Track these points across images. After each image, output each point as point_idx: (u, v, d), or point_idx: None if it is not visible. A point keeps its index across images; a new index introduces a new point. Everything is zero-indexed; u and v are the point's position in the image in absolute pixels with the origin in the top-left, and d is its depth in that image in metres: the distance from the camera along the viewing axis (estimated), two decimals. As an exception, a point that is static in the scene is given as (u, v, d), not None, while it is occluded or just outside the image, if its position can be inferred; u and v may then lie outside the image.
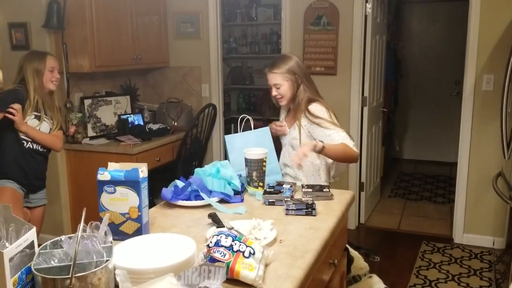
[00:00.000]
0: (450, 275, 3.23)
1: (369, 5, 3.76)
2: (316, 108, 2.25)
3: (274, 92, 2.30)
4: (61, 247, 1.15)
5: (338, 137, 2.18)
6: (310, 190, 1.98)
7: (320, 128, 2.21)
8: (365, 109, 3.96)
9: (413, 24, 6.15)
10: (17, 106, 2.52)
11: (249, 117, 2.33)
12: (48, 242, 1.17)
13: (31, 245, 1.16)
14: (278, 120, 2.56)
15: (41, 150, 2.73)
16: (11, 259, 1.08)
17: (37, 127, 2.67)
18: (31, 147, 2.67)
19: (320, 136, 2.19)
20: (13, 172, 2.62)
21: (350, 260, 2.18)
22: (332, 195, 1.95)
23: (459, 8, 5.69)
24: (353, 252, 2.28)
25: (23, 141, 2.64)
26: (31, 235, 1.17)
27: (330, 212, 1.80)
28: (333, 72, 3.88)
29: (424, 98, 6.18)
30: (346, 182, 3.94)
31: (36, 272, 1.07)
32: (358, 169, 4.03)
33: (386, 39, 4.72)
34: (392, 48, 5.52)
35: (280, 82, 2.27)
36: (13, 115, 2.49)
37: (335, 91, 3.83)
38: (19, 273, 1.11)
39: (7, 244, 1.15)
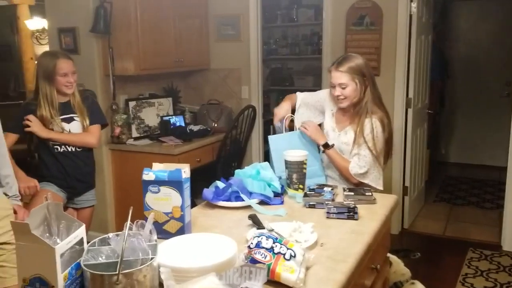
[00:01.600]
0: (498, 283, 3.10)
1: (414, 5, 3.67)
2: (372, 124, 2.17)
3: (337, 92, 2.19)
4: (109, 244, 1.19)
5: (359, 162, 2.17)
6: (352, 193, 1.95)
7: (363, 140, 2.17)
8: (410, 110, 3.87)
9: (461, 23, 5.94)
10: (31, 117, 2.58)
11: (293, 117, 2.32)
12: (97, 239, 1.21)
13: (80, 242, 1.21)
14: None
15: (76, 150, 2.72)
16: (62, 255, 1.13)
17: (64, 131, 2.67)
18: (66, 149, 2.69)
19: (347, 145, 2.22)
20: (52, 175, 2.68)
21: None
22: (374, 199, 1.91)
23: (510, 6, 5.47)
24: (392, 257, 2.21)
25: (55, 147, 2.67)
26: (81, 232, 1.21)
27: (372, 216, 1.77)
28: (376, 72, 3.80)
29: (472, 100, 5.96)
30: (389, 186, 3.86)
31: (85, 268, 1.11)
32: (401, 172, 3.93)
33: (432, 39, 4.59)
34: (439, 48, 5.36)
35: (346, 82, 2.16)
36: (29, 126, 2.58)
37: (377, 92, 3.75)
38: (69, 268, 1.15)
39: (58, 241, 1.20)
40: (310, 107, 2.43)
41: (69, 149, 2.70)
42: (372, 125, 2.16)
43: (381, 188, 2.22)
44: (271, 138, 2.30)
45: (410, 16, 3.69)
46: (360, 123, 2.18)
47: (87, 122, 2.74)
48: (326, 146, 2.23)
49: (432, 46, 4.57)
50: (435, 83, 5.14)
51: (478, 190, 5.15)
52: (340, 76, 2.17)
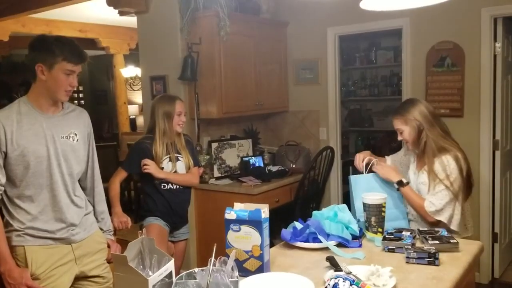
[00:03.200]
0: None
1: (498, 44, 3.56)
2: (443, 162, 2.18)
3: (399, 137, 2.34)
4: (195, 278, 1.29)
5: (434, 199, 2.16)
6: (437, 242, 1.88)
7: (437, 178, 2.17)
8: (497, 153, 3.68)
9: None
10: (148, 161, 2.81)
11: (375, 160, 2.35)
12: (184, 273, 1.31)
13: (169, 275, 1.32)
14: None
15: (179, 188, 2.93)
16: (154, 286, 1.24)
17: (173, 168, 2.89)
18: (171, 187, 2.90)
19: (424, 185, 2.22)
20: (159, 211, 2.88)
21: None
22: (457, 247, 1.84)
23: None
24: None
25: (162, 184, 2.88)
26: (170, 265, 1.33)
27: (454, 263, 1.71)
28: (459, 114, 3.70)
29: None
30: (477, 232, 3.64)
31: (174, 299, 1.21)
32: (490, 218, 3.70)
33: (520, 78, 4.37)
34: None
35: (400, 127, 2.30)
36: (147, 169, 2.80)
37: (462, 133, 3.61)
38: (159, 299, 1.26)
39: (150, 273, 1.32)
40: (397, 163, 2.54)
41: (174, 187, 2.91)
42: (444, 162, 2.17)
43: (456, 229, 2.17)
44: (351, 178, 2.34)
45: (495, 56, 3.58)
46: (429, 163, 2.21)
47: (192, 163, 2.97)
48: (401, 183, 2.25)
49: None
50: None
51: None
52: (395, 123, 2.33)
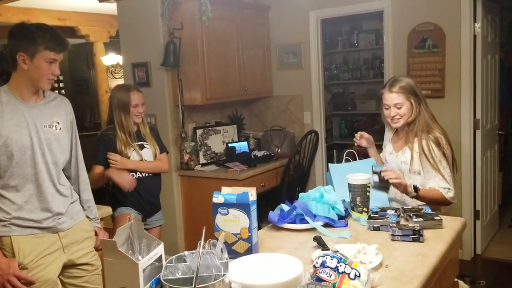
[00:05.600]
0: None
1: (478, 25, 3.61)
2: (440, 139, 2.22)
3: (392, 113, 2.28)
4: (185, 261, 1.30)
5: (440, 183, 2.20)
6: (421, 219, 1.92)
7: (428, 163, 2.20)
8: (478, 132, 3.75)
9: (531, 40, 5.69)
10: (113, 156, 2.76)
11: (354, 152, 2.38)
12: (174, 257, 1.32)
13: (159, 259, 1.33)
14: (381, 144, 2.56)
15: (148, 176, 2.91)
16: (144, 270, 1.25)
17: (140, 157, 2.84)
18: (141, 175, 2.87)
19: (426, 172, 2.22)
20: (130, 200, 2.85)
21: None
22: (441, 223, 1.88)
23: None
24: (460, 283, 2.15)
25: (131, 173, 2.84)
26: (160, 250, 1.33)
27: (438, 239, 1.75)
28: (440, 94, 3.75)
29: (548, 119, 5.63)
30: (459, 209, 3.73)
31: (165, 282, 1.22)
32: (472, 196, 3.79)
33: (500, 58, 4.44)
34: (507, 68, 5.16)
35: (401, 102, 2.25)
36: (115, 165, 2.76)
37: (444, 114, 3.66)
38: (150, 283, 1.27)
39: (140, 257, 1.33)
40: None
41: (144, 175, 2.89)
42: (438, 140, 2.21)
43: (455, 201, 2.25)
44: (331, 165, 2.38)
45: (474, 36, 3.63)
46: (418, 141, 2.23)
47: (158, 150, 2.94)
48: (416, 189, 2.18)
49: (500, 66, 4.42)
50: (505, 104, 4.93)
51: (559, 215, 4.81)
52: (396, 97, 2.26)
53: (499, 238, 4.29)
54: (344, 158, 2.40)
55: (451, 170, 2.25)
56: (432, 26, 3.72)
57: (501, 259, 3.82)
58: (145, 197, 2.89)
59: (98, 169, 2.80)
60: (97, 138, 2.90)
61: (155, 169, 2.93)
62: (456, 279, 2.01)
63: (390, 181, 2.15)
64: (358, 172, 2.15)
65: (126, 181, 2.76)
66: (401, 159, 2.30)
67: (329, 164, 2.39)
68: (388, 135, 2.48)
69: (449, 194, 2.20)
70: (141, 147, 2.89)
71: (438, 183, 2.21)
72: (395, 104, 2.26)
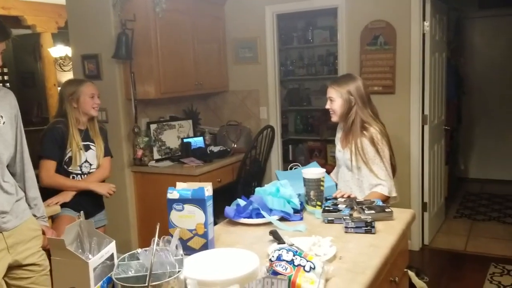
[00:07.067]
0: (523, 300, 3.06)
1: (426, 23, 3.74)
2: (375, 136, 2.28)
3: (327, 105, 2.41)
4: (138, 259, 1.26)
5: (379, 177, 2.26)
6: (373, 211, 1.97)
7: (362, 162, 2.29)
8: (426, 127, 3.89)
9: (475, 40, 5.97)
10: (54, 199, 2.61)
11: (299, 165, 2.45)
12: (126, 255, 1.28)
13: (111, 257, 1.29)
14: (334, 139, 2.61)
15: (89, 175, 2.80)
16: (94, 269, 1.20)
17: (83, 159, 2.72)
18: (81, 178, 2.74)
19: (362, 169, 2.30)
20: (69, 202, 2.69)
21: None
22: (392, 215, 1.94)
23: (524, 21, 5.49)
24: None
25: (72, 176, 2.72)
26: (111, 248, 1.29)
27: (390, 230, 1.80)
28: (391, 91, 3.86)
29: (490, 115, 5.94)
30: (408, 202, 3.86)
31: (117, 281, 1.18)
32: (420, 189, 3.93)
33: (447, 56, 4.63)
34: (454, 65, 5.39)
35: (334, 97, 2.36)
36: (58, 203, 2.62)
37: (394, 109, 3.81)
38: (101, 282, 1.23)
39: (90, 256, 1.28)
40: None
41: (82, 177, 2.75)
42: (373, 138, 2.28)
43: (395, 194, 2.32)
44: (278, 172, 2.45)
45: (423, 34, 3.76)
46: (354, 141, 2.31)
47: (102, 153, 2.82)
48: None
49: (447, 63, 4.61)
50: (451, 100, 5.15)
51: (498, 205, 5.09)
52: (330, 91, 2.39)
53: (445, 228, 4.49)
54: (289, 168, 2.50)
55: (386, 166, 2.29)
56: (384, 24, 3.82)
57: (448, 249, 4.00)
58: (85, 199, 2.74)
59: (51, 164, 2.65)
60: (44, 131, 2.73)
61: (99, 180, 2.82)
62: (405, 269, 2.08)
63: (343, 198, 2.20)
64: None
65: (107, 189, 2.76)
66: (346, 157, 2.38)
67: (276, 171, 2.42)
68: (338, 135, 2.55)
69: (384, 190, 2.25)
70: (87, 147, 2.75)
71: (371, 180, 2.28)
72: (329, 97, 2.39)
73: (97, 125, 2.82)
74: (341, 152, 2.43)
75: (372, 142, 2.27)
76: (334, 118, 2.40)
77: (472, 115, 6.02)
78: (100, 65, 3.82)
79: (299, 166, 2.45)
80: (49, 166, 2.65)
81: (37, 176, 2.30)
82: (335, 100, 2.35)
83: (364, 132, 2.30)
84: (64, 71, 8.65)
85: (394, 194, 2.30)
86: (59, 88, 5.30)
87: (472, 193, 5.59)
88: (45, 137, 2.68)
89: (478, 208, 5.04)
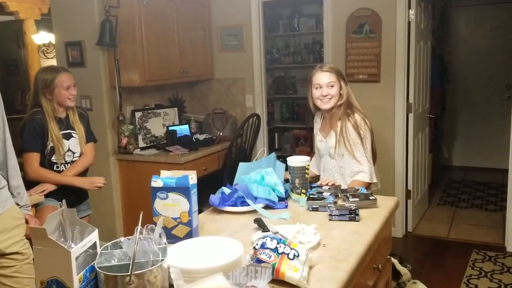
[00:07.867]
0: (503, 284, 3.13)
1: (412, 12, 3.75)
2: (359, 121, 2.30)
3: (325, 92, 2.31)
4: (121, 247, 1.26)
5: (361, 164, 2.28)
6: (357, 199, 1.98)
7: (344, 147, 2.30)
8: (410, 115, 3.92)
9: (460, 29, 6.02)
10: (41, 187, 2.58)
11: (264, 149, 2.46)
12: (109, 243, 1.27)
13: (94, 246, 1.28)
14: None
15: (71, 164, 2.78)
16: (77, 258, 1.19)
17: (67, 145, 2.69)
18: (64, 168, 2.71)
19: (345, 155, 2.31)
20: (52, 192, 2.66)
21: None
22: (376, 203, 1.96)
23: (508, 10, 5.53)
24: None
25: (56, 165, 2.68)
26: (94, 236, 1.28)
27: (373, 218, 1.82)
28: (376, 79, 3.88)
29: (473, 103, 6.02)
30: (392, 189, 3.91)
31: (99, 270, 1.17)
32: (404, 176, 3.98)
33: (431, 45, 4.65)
34: (438, 54, 5.43)
35: (334, 81, 2.32)
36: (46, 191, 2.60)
37: (379, 98, 3.83)
38: (84, 271, 1.22)
39: (72, 245, 1.27)
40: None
41: (66, 167, 2.72)
42: (357, 123, 2.30)
43: (376, 180, 2.33)
44: (241, 164, 2.30)
45: (409, 23, 3.76)
46: (341, 124, 2.31)
47: (84, 140, 2.77)
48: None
49: (431, 52, 4.64)
50: (436, 88, 5.20)
51: (481, 193, 5.18)
52: (328, 76, 2.32)
53: (428, 216, 4.55)
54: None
55: (368, 153, 2.30)
56: (369, 12, 3.82)
57: (430, 236, 4.07)
58: (68, 189, 2.70)
59: (34, 156, 2.59)
60: (23, 123, 2.65)
61: (84, 168, 2.79)
62: (389, 256, 2.11)
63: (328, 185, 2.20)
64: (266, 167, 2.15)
65: (92, 184, 2.75)
66: (329, 144, 2.38)
67: (240, 163, 2.33)
68: (316, 125, 2.53)
69: (365, 177, 2.27)
70: (69, 136, 2.71)
71: (352, 167, 2.30)
72: (328, 82, 2.31)
73: (76, 111, 2.76)
74: (323, 142, 2.43)
75: (356, 127, 2.29)
76: (330, 105, 2.33)
77: (456, 103, 6.08)
78: (84, 52, 3.76)
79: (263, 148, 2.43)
80: (32, 158, 2.60)
81: (21, 169, 2.27)
82: (335, 84, 2.31)
83: (349, 117, 2.31)
84: (48, 58, 8.49)
85: (375, 180, 2.31)
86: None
87: (455, 181, 5.67)
88: (25, 129, 2.62)
89: (461, 196, 5.12)
